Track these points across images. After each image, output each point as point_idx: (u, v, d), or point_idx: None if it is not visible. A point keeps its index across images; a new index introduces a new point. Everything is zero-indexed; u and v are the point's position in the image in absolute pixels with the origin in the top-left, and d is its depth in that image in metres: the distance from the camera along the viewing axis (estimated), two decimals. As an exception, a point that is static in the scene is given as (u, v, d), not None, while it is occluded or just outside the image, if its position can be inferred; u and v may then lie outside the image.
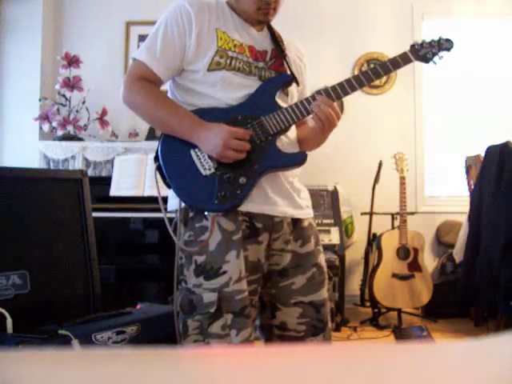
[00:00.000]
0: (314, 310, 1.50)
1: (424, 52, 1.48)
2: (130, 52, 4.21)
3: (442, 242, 4.08)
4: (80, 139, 3.82)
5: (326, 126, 1.43)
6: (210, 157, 1.40)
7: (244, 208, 1.41)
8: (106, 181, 3.26)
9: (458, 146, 4.17)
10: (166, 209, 1.48)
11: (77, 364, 0.34)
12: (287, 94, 1.53)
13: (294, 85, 1.55)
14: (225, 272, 1.38)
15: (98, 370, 0.32)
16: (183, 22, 1.43)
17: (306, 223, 1.54)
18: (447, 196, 4.21)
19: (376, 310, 3.56)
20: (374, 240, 3.71)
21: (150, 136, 3.88)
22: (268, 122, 1.43)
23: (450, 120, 4.24)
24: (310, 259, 1.51)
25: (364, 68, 4.19)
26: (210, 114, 1.43)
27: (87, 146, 3.71)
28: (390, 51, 4.30)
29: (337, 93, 1.45)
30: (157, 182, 1.45)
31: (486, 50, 4.24)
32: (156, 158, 1.45)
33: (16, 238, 1.70)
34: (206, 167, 1.40)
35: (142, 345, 1.57)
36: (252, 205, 1.42)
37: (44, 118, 3.79)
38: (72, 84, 3.84)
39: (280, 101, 1.49)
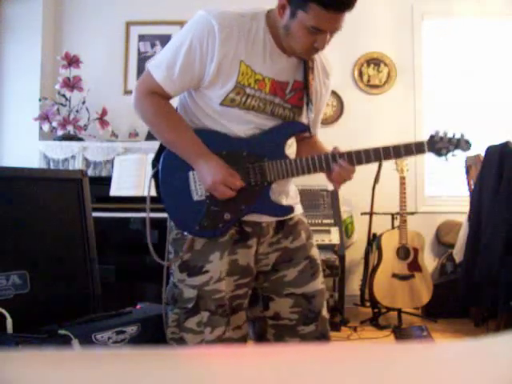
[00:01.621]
0: (306, 301, 1.54)
1: (440, 146, 1.50)
2: (130, 52, 4.21)
3: (441, 242, 4.08)
4: (80, 139, 3.82)
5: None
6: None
7: None
8: (106, 181, 3.26)
9: (458, 145, 4.16)
10: (151, 209, 1.53)
11: (77, 364, 0.34)
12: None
13: (308, 108, 1.52)
14: (207, 271, 1.44)
15: (98, 370, 0.32)
16: (207, 45, 1.36)
17: (294, 220, 1.57)
18: (447, 196, 4.21)
19: (376, 310, 3.56)
20: (374, 240, 3.70)
21: (150, 136, 3.88)
22: (269, 168, 1.45)
23: (449, 120, 4.24)
24: (301, 253, 1.56)
25: (364, 68, 4.19)
26: (216, 138, 1.45)
27: (87, 146, 3.71)
28: (390, 51, 4.31)
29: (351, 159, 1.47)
30: (149, 186, 1.49)
31: (485, 50, 4.24)
32: (154, 165, 1.50)
33: (16, 238, 1.70)
34: (198, 193, 1.45)
35: (141, 345, 1.57)
36: None
37: (44, 118, 3.79)
38: (72, 84, 3.84)
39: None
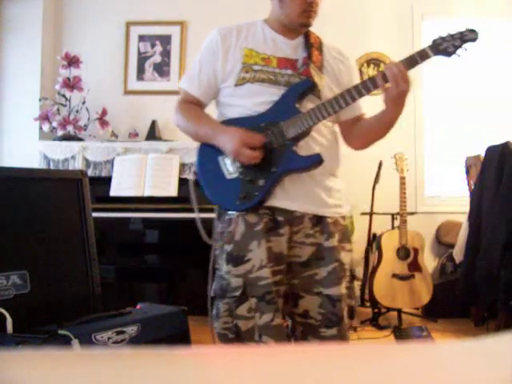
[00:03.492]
0: (331, 304, 1.57)
1: (445, 46, 1.49)
2: (130, 52, 4.21)
3: (441, 242, 4.08)
4: (80, 139, 3.82)
5: (395, 88, 1.51)
6: (234, 162, 1.56)
7: (267, 203, 1.55)
8: (106, 181, 3.26)
9: (458, 145, 4.17)
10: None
11: (77, 364, 0.34)
12: (320, 98, 1.60)
13: (329, 88, 1.63)
14: (249, 260, 1.52)
15: (98, 370, 0.32)
16: (213, 48, 1.62)
17: (330, 220, 1.62)
18: (447, 196, 4.21)
19: (376, 310, 3.56)
20: (374, 240, 3.70)
21: (150, 136, 3.88)
22: (286, 127, 1.55)
23: (450, 120, 4.24)
24: (332, 254, 1.59)
25: (364, 68, 4.19)
26: (235, 124, 1.57)
27: (87, 146, 3.71)
28: (390, 51, 4.31)
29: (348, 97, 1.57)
30: (191, 187, 1.63)
31: (485, 50, 4.24)
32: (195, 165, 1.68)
33: (16, 238, 1.70)
34: (231, 171, 1.57)
35: (141, 345, 1.57)
36: (274, 200, 1.55)
37: (44, 118, 3.79)
38: (72, 84, 3.84)
39: (311, 105, 1.58)
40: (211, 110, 1.72)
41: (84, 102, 3.89)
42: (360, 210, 3.87)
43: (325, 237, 1.59)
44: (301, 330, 1.60)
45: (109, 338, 1.49)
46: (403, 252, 3.49)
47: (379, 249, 3.55)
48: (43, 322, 1.51)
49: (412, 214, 3.71)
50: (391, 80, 1.49)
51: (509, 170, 2.95)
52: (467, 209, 3.42)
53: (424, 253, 3.57)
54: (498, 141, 3.16)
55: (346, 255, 1.63)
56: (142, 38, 4.20)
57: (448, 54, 1.49)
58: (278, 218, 1.55)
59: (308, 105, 1.58)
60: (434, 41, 1.49)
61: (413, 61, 1.49)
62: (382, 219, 3.76)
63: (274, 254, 1.53)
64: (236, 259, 1.54)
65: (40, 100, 3.91)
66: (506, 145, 3.04)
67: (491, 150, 3.20)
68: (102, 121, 3.87)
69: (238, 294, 1.51)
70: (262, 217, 1.54)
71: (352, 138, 1.74)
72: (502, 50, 4.25)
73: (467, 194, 3.59)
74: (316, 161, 1.55)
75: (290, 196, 1.55)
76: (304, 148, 1.56)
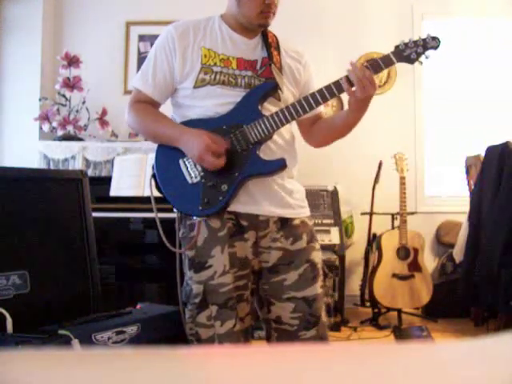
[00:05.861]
0: (307, 305, 1.55)
1: (408, 52, 1.47)
2: (130, 52, 4.21)
3: (441, 242, 4.08)
4: (80, 139, 3.82)
5: (361, 92, 1.48)
6: (195, 165, 1.51)
7: (230, 208, 1.51)
8: (106, 181, 3.26)
9: (458, 145, 4.17)
10: (158, 209, 1.60)
11: (77, 364, 0.34)
12: (279, 99, 1.58)
13: (288, 89, 1.60)
14: (210, 266, 1.49)
15: (98, 370, 0.32)
16: (169, 46, 1.54)
17: (296, 222, 1.58)
18: (447, 196, 4.21)
19: (376, 310, 3.56)
20: (374, 240, 3.70)
21: (150, 136, 3.87)
22: (249, 130, 1.50)
23: (450, 120, 4.24)
24: (301, 256, 1.56)
25: (364, 68, 4.19)
26: (196, 125, 1.52)
27: (87, 146, 3.71)
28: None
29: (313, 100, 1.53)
30: (151, 189, 1.57)
31: (485, 50, 4.24)
32: (153, 167, 1.58)
33: (16, 238, 1.69)
34: (192, 175, 1.52)
35: (142, 345, 1.57)
36: (238, 205, 1.51)
37: (44, 118, 3.79)
38: (72, 84, 3.84)
39: (272, 107, 1.55)
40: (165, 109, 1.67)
41: (84, 102, 3.89)
42: (360, 210, 3.87)
43: (290, 240, 1.55)
44: (276, 336, 1.58)
45: (109, 338, 1.49)
46: (403, 252, 3.49)
47: (379, 249, 3.55)
48: (43, 322, 1.51)
49: (412, 213, 3.71)
50: (357, 84, 1.45)
51: (509, 169, 2.95)
52: (467, 209, 3.43)
53: (424, 253, 3.58)
54: (498, 141, 3.16)
55: (317, 254, 1.61)
56: (141, 38, 4.20)
57: (411, 61, 1.47)
58: (242, 222, 1.52)
59: (268, 106, 1.55)
60: (397, 47, 1.47)
61: (376, 66, 1.47)
62: (382, 219, 3.76)
63: (237, 259, 1.51)
64: (197, 265, 1.51)
65: (40, 100, 3.90)
66: (505, 145, 3.04)
67: (491, 150, 3.20)
68: (102, 121, 3.87)
69: (197, 300, 1.50)
70: (226, 222, 1.50)
71: (312, 136, 1.71)
72: (502, 50, 4.25)
73: (467, 194, 3.59)
74: (281, 165, 1.52)
75: (254, 200, 1.52)
76: (264, 151, 1.53)
